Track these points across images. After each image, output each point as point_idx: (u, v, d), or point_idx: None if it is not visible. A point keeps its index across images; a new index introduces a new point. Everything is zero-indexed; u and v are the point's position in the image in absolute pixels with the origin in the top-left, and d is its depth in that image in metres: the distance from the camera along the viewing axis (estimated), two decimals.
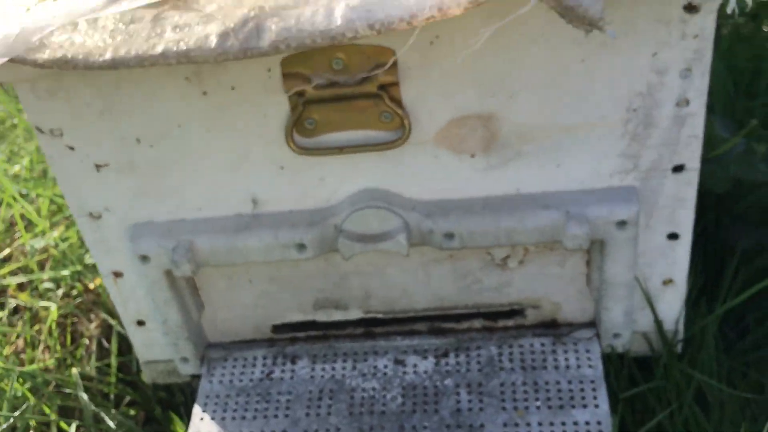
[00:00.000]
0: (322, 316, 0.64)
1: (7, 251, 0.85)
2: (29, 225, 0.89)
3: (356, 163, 0.55)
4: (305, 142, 0.54)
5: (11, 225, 0.91)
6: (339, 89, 0.51)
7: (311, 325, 0.65)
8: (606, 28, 0.41)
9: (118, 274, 0.62)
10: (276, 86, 0.51)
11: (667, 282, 0.60)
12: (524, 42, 0.49)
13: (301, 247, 0.57)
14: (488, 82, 0.51)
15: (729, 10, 0.44)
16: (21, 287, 0.82)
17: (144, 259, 0.58)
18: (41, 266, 0.84)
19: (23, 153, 0.97)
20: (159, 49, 0.43)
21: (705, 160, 0.66)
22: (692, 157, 0.53)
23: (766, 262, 0.70)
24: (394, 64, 0.50)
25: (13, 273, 0.83)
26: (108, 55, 0.43)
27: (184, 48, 0.43)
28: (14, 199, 0.88)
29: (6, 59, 0.43)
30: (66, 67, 0.43)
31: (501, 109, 0.52)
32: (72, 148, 0.55)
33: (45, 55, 0.43)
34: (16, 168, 0.99)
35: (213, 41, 0.43)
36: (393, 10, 0.41)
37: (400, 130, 0.53)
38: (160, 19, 0.44)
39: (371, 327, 0.65)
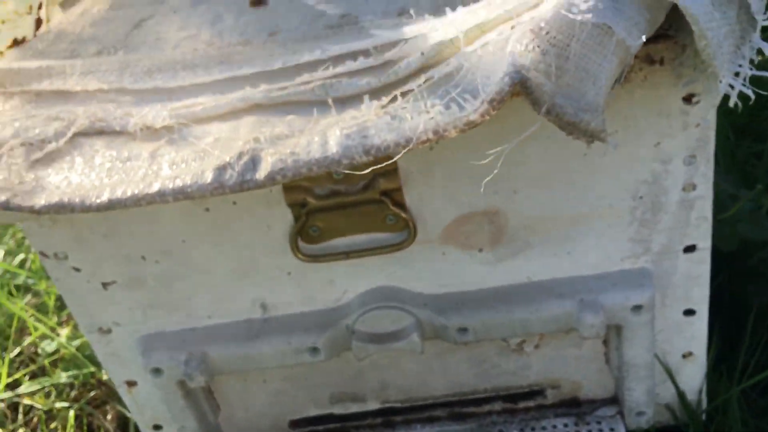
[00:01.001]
0: (339, 409, 0.64)
1: (17, 350, 0.85)
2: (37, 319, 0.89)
3: (364, 264, 0.54)
4: (311, 249, 0.53)
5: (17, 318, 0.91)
6: (341, 198, 0.51)
7: (329, 418, 0.64)
8: (608, 139, 0.40)
9: (131, 384, 0.62)
10: (277, 198, 0.51)
11: (687, 355, 0.59)
12: (523, 140, 0.48)
13: (314, 350, 0.56)
14: (491, 180, 0.50)
15: (731, 104, 0.43)
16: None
17: (156, 371, 0.57)
18: (53, 364, 0.83)
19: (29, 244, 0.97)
20: (155, 187, 0.43)
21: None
22: (703, 237, 0.52)
23: None
24: (396, 171, 0.50)
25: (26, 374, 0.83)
26: (104, 197, 0.43)
27: (180, 184, 0.42)
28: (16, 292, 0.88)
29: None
30: (63, 211, 0.43)
31: (506, 204, 0.51)
32: (78, 270, 0.55)
33: (42, 200, 0.43)
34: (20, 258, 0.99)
35: (209, 176, 0.42)
36: (389, 135, 0.41)
37: (405, 232, 0.52)
38: (156, 156, 0.44)
39: (390, 416, 0.64)
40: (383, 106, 0.42)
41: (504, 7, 0.42)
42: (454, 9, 0.48)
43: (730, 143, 0.82)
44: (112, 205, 0.43)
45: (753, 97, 0.43)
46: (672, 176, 0.49)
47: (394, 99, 0.42)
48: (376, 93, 0.44)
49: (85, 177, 0.44)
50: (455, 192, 0.51)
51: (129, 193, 0.42)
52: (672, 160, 0.49)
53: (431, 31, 0.46)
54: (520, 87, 0.39)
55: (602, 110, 0.40)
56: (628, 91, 0.46)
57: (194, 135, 0.45)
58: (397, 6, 0.53)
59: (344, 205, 0.51)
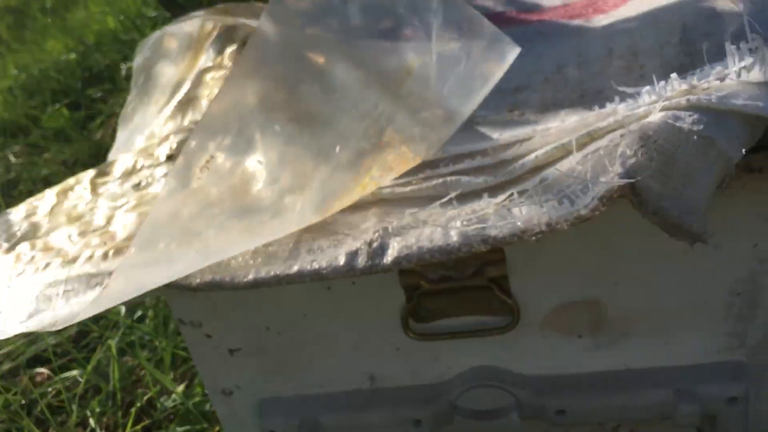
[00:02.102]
0: None
1: (138, 405, 0.91)
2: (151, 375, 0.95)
3: (468, 344, 0.58)
4: (420, 327, 0.58)
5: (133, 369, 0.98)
6: (451, 283, 0.55)
7: None
8: (708, 241, 0.43)
9: None
10: (392, 281, 0.56)
11: None
12: (626, 236, 0.52)
13: (418, 423, 0.60)
14: (592, 273, 0.54)
15: None
16: None
17: None
18: (165, 418, 0.89)
19: (148, 302, 1.05)
20: (295, 269, 0.48)
21: None
22: None
23: None
24: (503, 261, 0.54)
25: (145, 427, 0.89)
26: (251, 276, 0.49)
27: (317, 267, 0.48)
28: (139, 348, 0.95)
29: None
30: (215, 289, 0.49)
31: (605, 296, 0.55)
32: (209, 336, 0.61)
33: (197, 279, 0.49)
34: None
35: (342, 260, 0.47)
36: (505, 227, 0.45)
37: (509, 316, 0.56)
38: (295, 243, 0.49)
39: None
40: (500, 202, 0.47)
41: (614, 117, 0.47)
42: (561, 108, 0.54)
43: None
44: (257, 284, 0.48)
45: None
46: None
47: (511, 196, 0.47)
48: (492, 190, 0.49)
49: (234, 259, 0.50)
50: (558, 283, 0.55)
51: (272, 273, 0.48)
52: None
53: (543, 134, 0.51)
54: (628, 188, 0.43)
55: (703, 214, 0.43)
56: (728, 196, 0.49)
57: (328, 223, 0.50)
58: (508, 102, 0.58)
59: (454, 289, 0.56)
